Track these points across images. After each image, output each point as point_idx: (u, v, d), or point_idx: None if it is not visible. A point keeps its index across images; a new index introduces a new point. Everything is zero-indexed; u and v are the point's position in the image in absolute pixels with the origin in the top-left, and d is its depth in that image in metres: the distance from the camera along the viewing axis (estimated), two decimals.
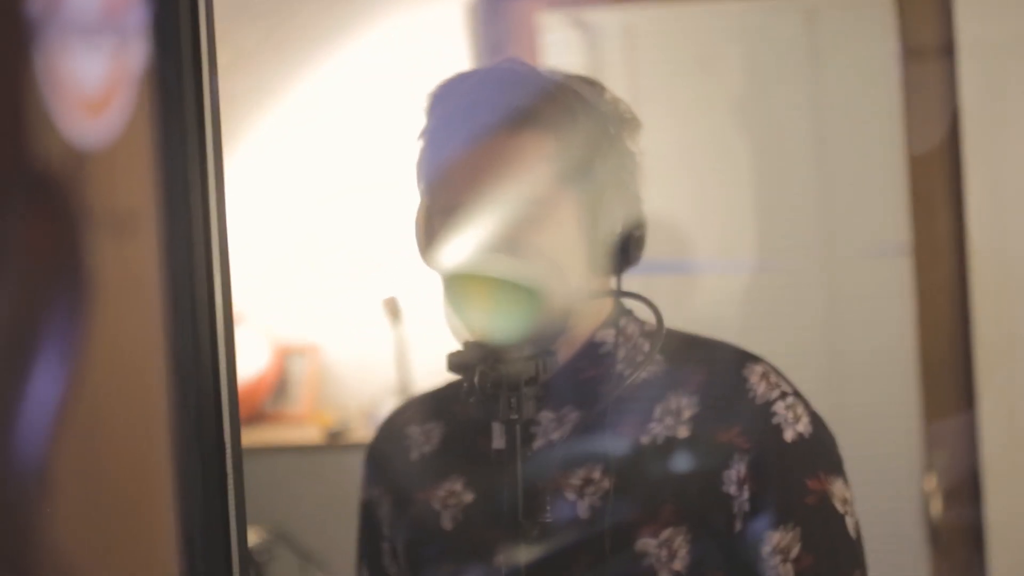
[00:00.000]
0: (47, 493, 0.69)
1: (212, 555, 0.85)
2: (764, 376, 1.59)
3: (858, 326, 3.21)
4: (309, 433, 3.56)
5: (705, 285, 3.20)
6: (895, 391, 3.17)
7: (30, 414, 0.69)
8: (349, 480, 3.45)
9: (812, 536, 1.54)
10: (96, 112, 0.84)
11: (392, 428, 1.77)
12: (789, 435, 1.56)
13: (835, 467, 1.58)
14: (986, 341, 3.07)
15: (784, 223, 3.22)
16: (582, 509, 1.56)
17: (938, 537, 3.11)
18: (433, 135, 1.62)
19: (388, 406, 3.39)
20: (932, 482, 3.09)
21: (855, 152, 3.20)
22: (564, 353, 1.62)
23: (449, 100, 1.62)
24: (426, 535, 1.65)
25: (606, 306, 1.65)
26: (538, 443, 1.60)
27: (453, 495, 1.64)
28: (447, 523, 1.63)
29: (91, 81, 0.84)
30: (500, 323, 1.55)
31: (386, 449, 1.76)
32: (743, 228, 3.22)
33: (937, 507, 3.09)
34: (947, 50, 3.05)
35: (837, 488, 1.56)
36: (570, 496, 1.56)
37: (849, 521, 1.56)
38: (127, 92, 0.86)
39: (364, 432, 3.48)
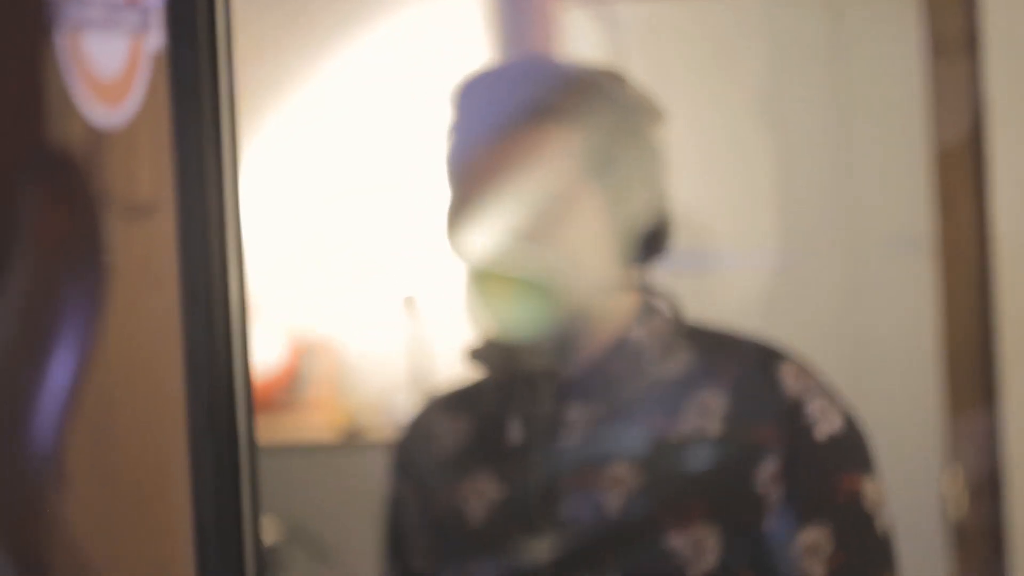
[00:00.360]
0: (61, 483, 0.68)
1: (225, 546, 0.83)
2: (796, 374, 1.57)
3: (880, 320, 3.20)
4: (325, 431, 3.55)
5: (726, 278, 3.19)
6: (916, 386, 3.16)
7: (45, 402, 0.67)
8: (366, 479, 3.44)
9: (842, 536, 1.53)
10: (114, 97, 0.82)
11: (419, 424, 1.75)
12: (820, 434, 1.55)
13: (867, 467, 1.57)
14: (1011, 336, 3.05)
15: (807, 217, 3.21)
16: (610, 507, 1.55)
17: (958, 535, 3.09)
18: (457, 130, 1.63)
19: (405, 404, 3.38)
20: (953, 479, 3.07)
21: (879, 145, 3.19)
22: (592, 349, 1.61)
23: (472, 95, 1.63)
24: (452, 532, 1.64)
25: (635, 302, 1.63)
26: (565, 440, 1.59)
27: (479, 492, 1.63)
28: (473, 520, 1.62)
29: (109, 66, 0.83)
30: (518, 318, 1.55)
31: (413, 445, 1.75)
32: (765, 222, 3.21)
33: (957, 505, 3.07)
34: (973, 42, 3.03)
35: (868, 488, 1.55)
36: (598, 494, 1.55)
37: (879, 522, 1.55)
38: (145, 77, 0.84)
39: (381, 430, 3.47)
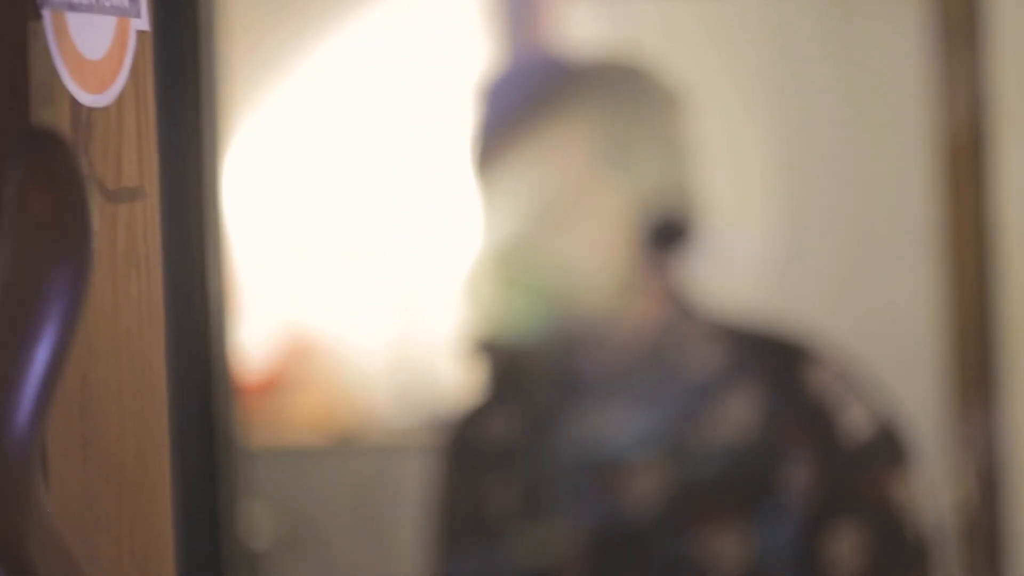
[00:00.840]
0: (41, 468, 0.65)
1: (207, 533, 0.82)
2: (826, 372, 1.57)
3: (884, 313, 3.20)
4: (316, 434, 3.55)
5: (728, 267, 3.18)
6: (921, 380, 3.15)
7: (26, 385, 0.65)
8: (358, 482, 3.42)
9: (870, 536, 1.52)
10: (100, 78, 0.80)
11: (459, 429, 1.78)
12: (849, 433, 1.54)
13: (898, 465, 1.57)
14: (1017, 329, 3.04)
15: (811, 208, 3.23)
16: (635, 506, 1.55)
17: (964, 532, 3.07)
18: (478, 130, 1.64)
19: (398, 408, 3.38)
20: (959, 475, 3.06)
21: (884, 136, 3.20)
22: (617, 346, 1.61)
23: (491, 94, 1.64)
24: (477, 531, 1.65)
25: (660, 298, 1.63)
26: (589, 439, 1.59)
27: (501, 492, 1.64)
28: (498, 520, 1.62)
29: (96, 47, 0.80)
30: (529, 314, 1.57)
31: (454, 449, 1.77)
32: (769, 212, 3.22)
33: (964, 501, 3.06)
34: (980, 33, 3.03)
35: (899, 487, 1.55)
36: (622, 493, 1.55)
37: (912, 521, 1.54)
38: (131, 59, 0.82)
39: (372, 433, 3.47)
